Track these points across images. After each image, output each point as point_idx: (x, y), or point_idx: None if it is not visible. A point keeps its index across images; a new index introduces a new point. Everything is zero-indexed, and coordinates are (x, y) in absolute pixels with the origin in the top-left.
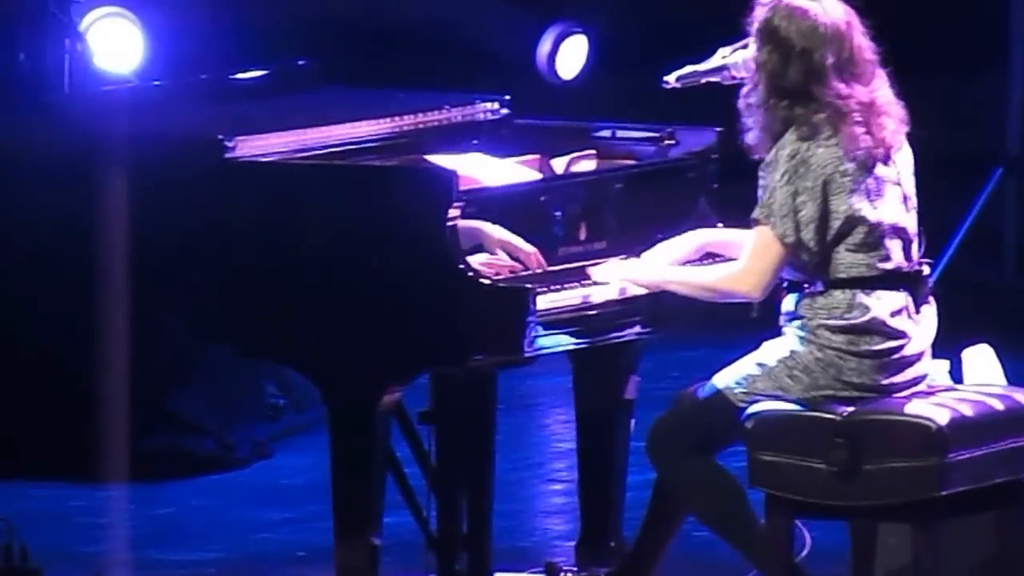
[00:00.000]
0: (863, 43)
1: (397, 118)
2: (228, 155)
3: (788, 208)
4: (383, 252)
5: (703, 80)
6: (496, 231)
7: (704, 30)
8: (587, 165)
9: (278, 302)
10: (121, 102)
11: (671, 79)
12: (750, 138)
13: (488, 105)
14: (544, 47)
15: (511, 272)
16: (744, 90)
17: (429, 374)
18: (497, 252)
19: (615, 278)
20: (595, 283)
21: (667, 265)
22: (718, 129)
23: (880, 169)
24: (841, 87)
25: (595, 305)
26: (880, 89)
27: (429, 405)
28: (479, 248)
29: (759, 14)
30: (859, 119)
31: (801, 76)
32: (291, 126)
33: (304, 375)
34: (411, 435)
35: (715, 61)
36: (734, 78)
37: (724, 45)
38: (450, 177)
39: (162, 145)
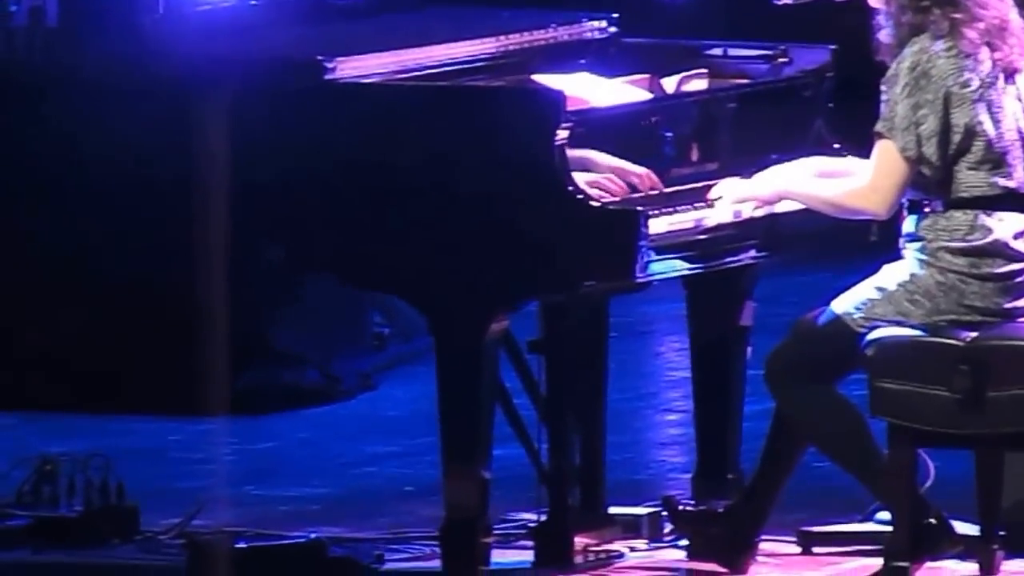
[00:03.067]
0: None
1: (502, 37)
2: (328, 76)
3: (909, 121)
4: (489, 175)
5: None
6: (605, 158)
7: None
8: (698, 84)
9: (382, 228)
10: (217, 24)
11: None
12: (882, 37)
13: (595, 24)
14: None
15: (619, 195)
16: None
17: (538, 302)
18: (606, 175)
19: (735, 194)
20: (709, 205)
21: (791, 176)
22: (833, 47)
23: (1002, 84)
24: None
25: (709, 228)
26: (1012, 11)
27: (539, 334)
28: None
29: None
30: (990, 31)
31: None
32: (392, 46)
33: (410, 303)
34: (521, 365)
35: None
36: None
37: None
38: (558, 97)
39: (260, 67)
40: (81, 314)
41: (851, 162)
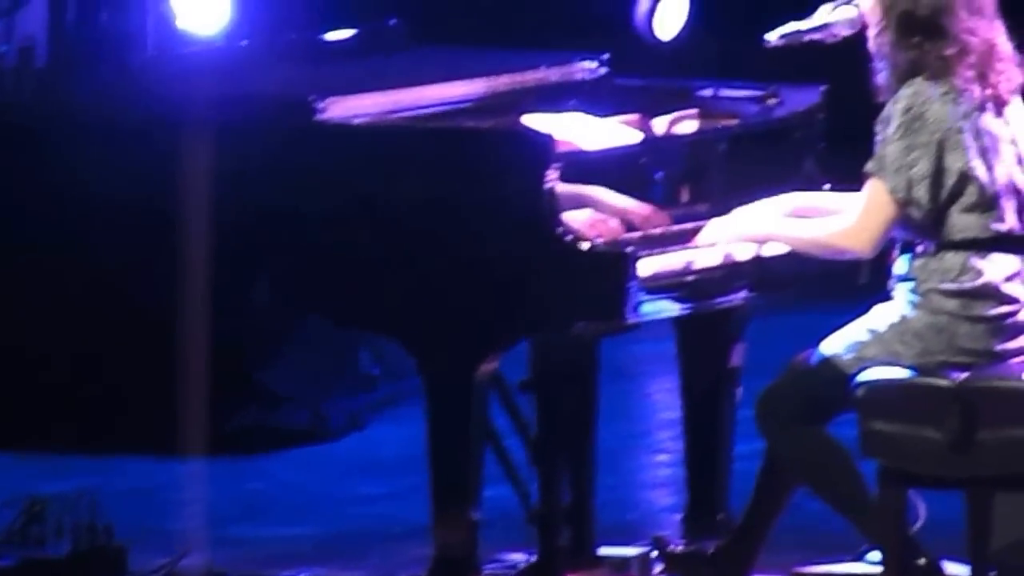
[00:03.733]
0: None
1: (492, 78)
2: (318, 117)
3: (901, 163)
4: (478, 217)
5: (806, 38)
6: (608, 196)
7: None
8: (689, 125)
9: (371, 268)
10: (206, 63)
11: (773, 37)
12: (879, 80)
13: (586, 64)
14: (642, 5)
15: (617, 234)
16: (873, 33)
17: (529, 342)
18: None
19: (721, 236)
20: (699, 247)
21: (775, 218)
22: (824, 87)
23: (994, 125)
24: (969, 20)
25: (699, 269)
26: (1001, 35)
27: (529, 374)
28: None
29: None
30: (979, 59)
31: (934, 7)
32: (382, 87)
33: (399, 343)
34: (511, 405)
35: (818, 19)
36: (836, 36)
37: (827, 2)
38: (546, 140)
39: (249, 107)
40: (70, 354)
41: (834, 198)
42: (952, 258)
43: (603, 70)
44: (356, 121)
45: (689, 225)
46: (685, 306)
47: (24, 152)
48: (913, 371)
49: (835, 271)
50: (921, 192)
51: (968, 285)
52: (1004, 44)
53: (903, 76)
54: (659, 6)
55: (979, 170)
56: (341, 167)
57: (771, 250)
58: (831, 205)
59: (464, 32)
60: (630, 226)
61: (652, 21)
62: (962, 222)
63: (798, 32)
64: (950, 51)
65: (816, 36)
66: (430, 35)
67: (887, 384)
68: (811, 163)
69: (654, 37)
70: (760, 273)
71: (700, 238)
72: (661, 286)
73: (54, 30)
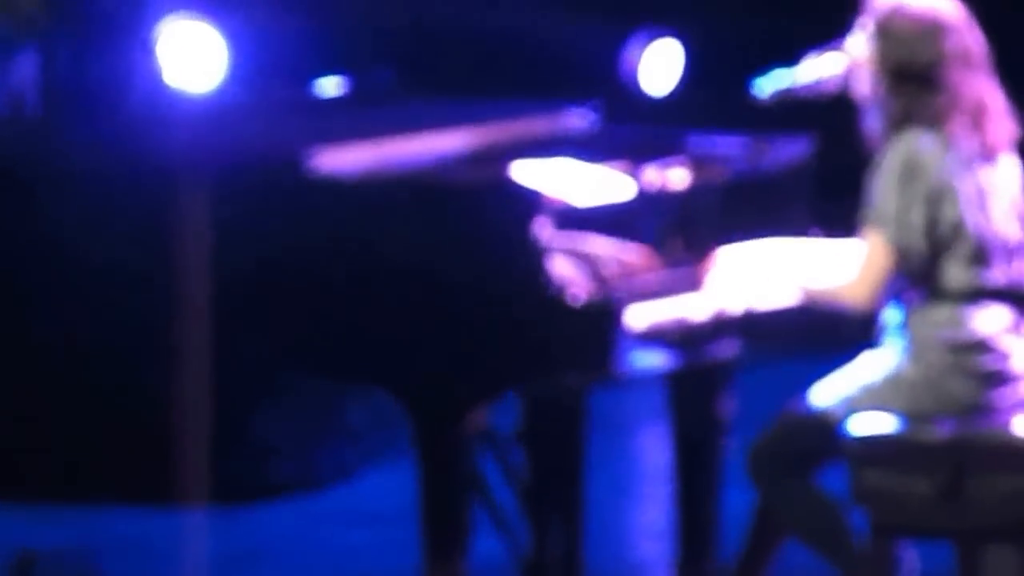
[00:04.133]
0: (979, 39)
1: (482, 128)
2: (307, 169)
3: (897, 212)
4: (467, 270)
5: (796, 96)
6: (601, 245)
7: (794, 36)
8: (678, 174)
9: (360, 320)
10: (196, 115)
11: (763, 94)
12: (870, 130)
13: (576, 113)
14: (632, 56)
15: (620, 275)
16: (865, 80)
17: (518, 393)
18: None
19: (717, 286)
20: (689, 298)
21: (773, 266)
22: (812, 136)
23: (988, 178)
24: (964, 76)
25: (689, 321)
26: (993, 91)
27: (519, 425)
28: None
29: (883, 2)
30: (973, 114)
31: (928, 59)
32: (372, 138)
33: (388, 394)
34: (500, 456)
35: (806, 73)
36: (826, 93)
37: (814, 52)
38: (533, 195)
39: (239, 159)
40: (62, 404)
41: (822, 243)
42: (944, 309)
43: (593, 119)
44: (346, 174)
45: (678, 277)
46: (675, 358)
47: (14, 202)
48: (904, 422)
49: (826, 321)
50: (918, 242)
51: (960, 337)
52: (997, 97)
53: (895, 124)
54: (648, 57)
55: (972, 220)
56: (330, 220)
57: (762, 302)
58: (821, 251)
59: (454, 82)
60: (629, 271)
61: (643, 71)
62: (955, 272)
63: (789, 91)
64: (944, 101)
65: (807, 94)
66: (420, 85)
67: (877, 435)
68: (800, 212)
69: (644, 87)
70: (751, 325)
71: (690, 307)
72: (651, 337)
73: (45, 80)
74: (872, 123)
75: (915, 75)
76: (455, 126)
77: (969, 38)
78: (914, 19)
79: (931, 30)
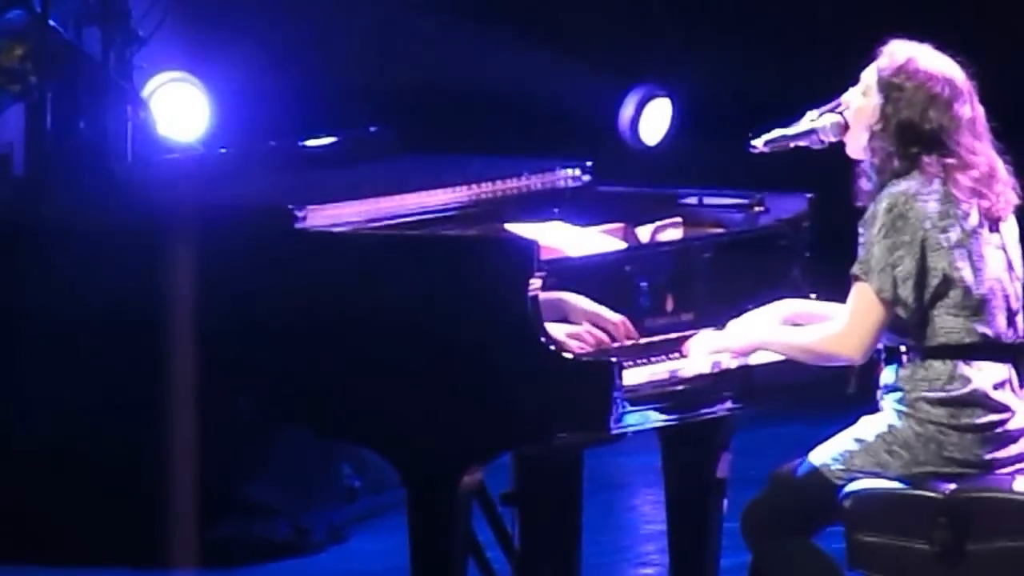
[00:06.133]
0: (981, 110)
1: (474, 186)
2: (299, 225)
3: (885, 263)
4: (462, 325)
5: (791, 144)
6: (582, 302)
7: (790, 93)
8: (673, 233)
9: (354, 378)
10: (186, 171)
11: (759, 143)
12: (863, 184)
13: (569, 172)
14: (627, 111)
15: (597, 345)
16: (865, 134)
17: (512, 453)
18: (583, 324)
19: (707, 350)
20: (684, 356)
21: (764, 326)
22: (809, 195)
23: (985, 233)
24: (973, 143)
25: (684, 379)
26: (998, 159)
27: (512, 486)
28: (564, 321)
29: (893, 59)
30: (980, 179)
31: (940, 123)
32: (364, 195)
33: (381, 455)
34: (494, 518)
35: (804, 125)
36: (822, 142)
37: (811, 108)
38: (531, 247)
39: (230, 215)
40: (51, 466)
41: (823, 305)
42: (939, 366)
43: (586, 177)
44: (337, 230)
45: (674, 335)
46: (670, 417)
47: (1, 259)
48: (901, 482)
49: (823, 380)
50: (907, 291)
51: (956, 393)
52: (1002, 168)
53: (888, 181)
54: (644, 111)
55: (964, 271)
56: (322, 276)
57: (758, 360)
58: (820, 313)
59: (447, 138)
60: (608, 336)
61: (637, 126)
62: (947, 324)
63: (784, 138)
64: (951, 162)
65: (802, 142)
66: (412, 141)
67: (875, 495)
68: (798, 272)
69: (639, 141)
70: (747, 383)
71: (689, 352)
72: (646, 396)
73: (32, 137)
74: (866, 179)
75: (923, 137)
76: (447, 184)
77: (977, 103)
78: (927, 80)
79: (943, 93)
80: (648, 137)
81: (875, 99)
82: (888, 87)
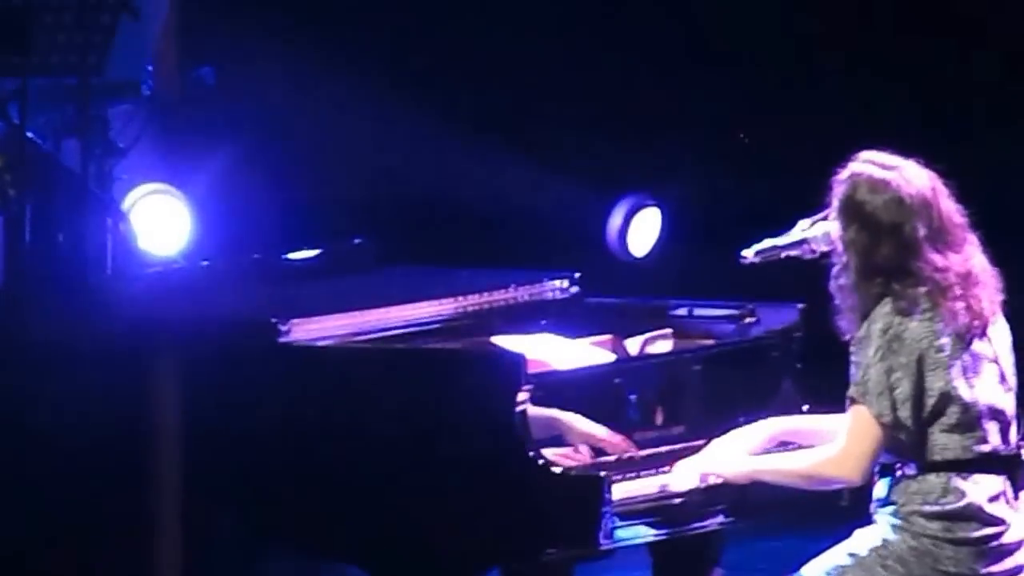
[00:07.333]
0: (951, 208)
1: (461, 298)
2: (283, 339)
3: (883, 386)
4: (448, 441)
5: (783, 254)
6: (578, 423)
7: (779, 203)
8: (663, 345)
9: (337, 495)
10: (167, 284)
11: (749, 254)
12: (842, 320)
13: (557, 283)
14: (615, 221)
15: (588, 462)
16: (834, 271)
17: (500, 569)
18: (578, 446)
19: (698, 476)
20: (673, 472)
21: (753, 455)
22: (800, 306)
23: (976, 345)
24: (937, 259)
25: (675, 494)
26: (974, 256)
27: None
28: (557, 440)
29: (839, 191)
30: (958, 292)
31: (894, 252)
32: (348, 308)
33: (367, 572)
34: None
35: (795, 235)
36: (814, 252)
37: (802, 218)
38: (518, 361)
39: (212, 329)
40: None
41: (813, 419)
42: (934, 480)
43: (574, 289)
44: (321, 343)
45: (664, 449)
46: (661, 531)
47: None
48: None
49: (816, 494)
50: (906, 413)
51: (950, 507)
52: (980, 264)
53: (872, 303)
54: (632, 221)
55: (961, 389)
56: (306, 391)
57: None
58: (810, 428)
59: (433, 250)
60: (599, 451)
61: (626, 236)
62: (944, 442)
63: (775, 248)
64: (924, 289)
65: (793, 252)
66: (398, 254)
67: None
68: (789, 383)
69: (628, 252)
70: (739, 498)
71: (675, 480)
72: (635, 511)
73: (10, 250)
74: (844, 317)
75: (883, 268)
76: (433, 297)
77: (942, 208)
78: (872, 211)
79: (893, 220)
80: (637, 248)
81: (836, 228)
82: (842, 218)
